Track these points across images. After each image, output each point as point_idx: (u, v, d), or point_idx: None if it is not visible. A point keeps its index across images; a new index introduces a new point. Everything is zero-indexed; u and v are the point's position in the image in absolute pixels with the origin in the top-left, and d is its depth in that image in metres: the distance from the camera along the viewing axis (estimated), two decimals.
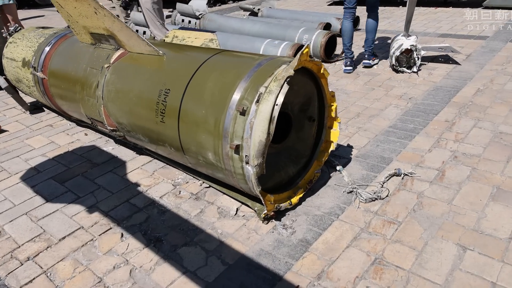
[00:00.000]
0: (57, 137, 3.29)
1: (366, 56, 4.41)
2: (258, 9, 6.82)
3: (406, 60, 4.07)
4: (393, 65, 4.09)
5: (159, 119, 2.18)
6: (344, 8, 4.23)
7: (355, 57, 4.50)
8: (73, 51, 2.96)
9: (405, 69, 4.06)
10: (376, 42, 5.06)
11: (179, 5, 6.12)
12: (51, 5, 13.54)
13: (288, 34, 4.81)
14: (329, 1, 8.77)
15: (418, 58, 4.02)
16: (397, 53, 3.99)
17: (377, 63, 4.48)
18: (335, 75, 4.23)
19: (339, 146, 2.80)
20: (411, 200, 2.16)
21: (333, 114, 2.32)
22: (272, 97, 1.74)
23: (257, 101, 1.77)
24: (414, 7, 4.19)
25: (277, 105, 1.74)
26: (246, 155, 1.80)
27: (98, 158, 2.91)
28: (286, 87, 1.75)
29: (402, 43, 4.05)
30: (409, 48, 3.95)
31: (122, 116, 2.49)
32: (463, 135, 2.80)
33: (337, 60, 4.70)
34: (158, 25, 4.52)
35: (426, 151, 2.64)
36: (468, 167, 2.41)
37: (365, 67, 4.39)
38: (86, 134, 3.28)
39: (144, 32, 5.82)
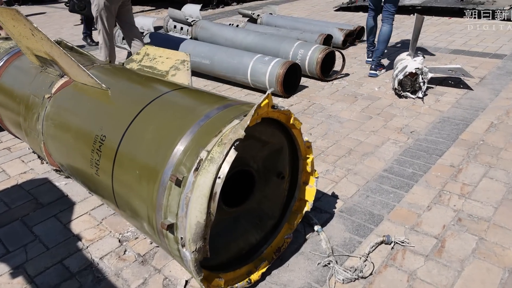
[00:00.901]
0: (10, 164, 2.92)
1: (372, 66, 4.31)
2: (258, 16, 6.39)
3: (410, 84, 3.62)
4: (395, 89, 3.64)
5: (94, 171, 1.79)
6: (368, 7, 4.50)
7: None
8: (21, 72, 2.59)
9: (409, 94, 3.60)
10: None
11: (170, 10, 5.73)
12: (54, 1, 13.30)
13: (283, 48, 4.38)
14: (336, 7, 8.29)
15: (424, 82, 3.55)
16: (400, 76, 3.53)
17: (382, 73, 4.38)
18: (330, 97, 3.79)
19: (322, 195, 2.38)
20: (400, 283, 1.73)
21: (308, 169, 1.90)
22: (214, 167, 1.33)
23: (196, 169, 1.36)
24: (421, 24, 3.72)
25: (219, 178, 1.33)
26: (181, 237, 1.39)
27: (46, 196, 2.53)
28: (233, 154, 1.34)
29: (407, 64, 3.59)
30: (413, 71, 3.50)
31: (60, 157, 2.11)
32: (470, 187, 2.35)
33: (336, 79, 4.26)
34: (105, 37, 4.05)
35: (424, 208, 2.20)
36: (474, 236, 1.97)
37: (370, 76, 4.28)
38: (42, 163, 2.91)
39: (181, 28, 5.49)
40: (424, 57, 3.87)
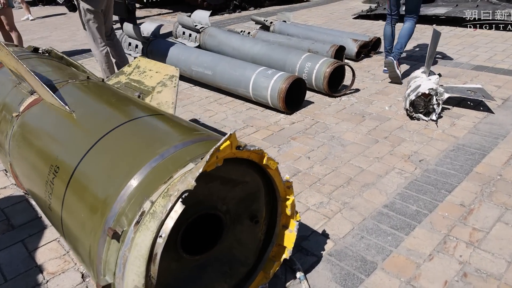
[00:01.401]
0: None
1: (392, 55, 4.32)
2: (271, 23, 6.17)
3: (424, 105, 3.32)
4: (406, 109, 3.34)
5: (48, 204, 1.61)
6: (387, 14, 4.44)
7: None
8: (0, 82, 2.46)
9: (421, 115, 3.31)
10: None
11: (179, 16, 5.58)
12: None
13: (290, 60, 4.15)
14: (355, 15, 7.98)
15: (438, 104, 3.25)
16: (412, 96, 3.24)
17: (399, 75, 4.20)
18: (336, 116, 3.53)
19: (311, 232, 2.14)
20: None
21: (288, 211, 1.66)
22: (155, 224, 1.12)
23: (138, 223, 1.15)
24: (438, 39, 3.42)
25: (161, 236, 1.12)
26: None
27: (19, 217, 2.39)
28: (179, 208, 1.12)
29: (420, 84, 3.30)
30: (426, 92, 3.20)
31: (23, 181, 1.94)
32: (481, 233, 2.06)
33: (344, 94, 3.99)
34: (95, 45, 4.04)
35: (425, 257, 1.93)
36: None
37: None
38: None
39: (190, 35, 5.41)
40: (440, 75, 3.56)
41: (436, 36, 3.37)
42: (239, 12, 9.55)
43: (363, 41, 5.06)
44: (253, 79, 3.68)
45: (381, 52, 5.37)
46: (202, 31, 5.29)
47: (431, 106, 3.28)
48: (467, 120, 3.32)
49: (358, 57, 5.08)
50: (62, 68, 2.55)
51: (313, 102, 3.86)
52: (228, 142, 1.24)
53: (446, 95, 3.30)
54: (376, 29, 6.78)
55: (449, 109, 3.52)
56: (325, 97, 3.97)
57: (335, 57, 4.72)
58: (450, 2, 7.45)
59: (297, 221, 1.70)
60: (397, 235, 2.08)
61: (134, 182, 1.23)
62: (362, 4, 9.51)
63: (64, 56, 3.02)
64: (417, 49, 5.52)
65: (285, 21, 6.25)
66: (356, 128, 3.28)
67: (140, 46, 4.90)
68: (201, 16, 5.53)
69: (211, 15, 9.27)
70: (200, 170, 1.13)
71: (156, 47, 4.75)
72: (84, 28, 3.99)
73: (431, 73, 3.58)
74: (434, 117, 3.26)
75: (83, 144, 1.53)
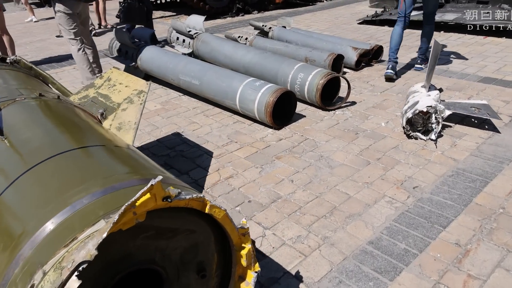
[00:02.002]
0: None
1: (418, 61, 4.70)
2: (269, 28, 5.94)
3: (422, 122, 3.05)
4: (403, 127, 3.08)
5: None
6: (397, 16, 4.43)
7: (397, 66, 4.51)
8: None
9: (419, 134, 3.03)
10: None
11: (173, 21, 5.37)
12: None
13: (282, 70, 3.90)
14: (360, 20, 7.69)
15: (438, 122, 2.98)
16: (409, 114, 2.97)
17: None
18: (327, 132, 3.27)
19: (283, 274, 1.89)
20: None
21: (244, 262, 1.42)
22: None
23: None
24: (439, 52, 3.15)
25: None
26: None
27: None
28: (73, 285, 0.89)
29: (418, 100, 3.03)
30: (424, 110, 2.93)
31: None
32: (477, 283, 1.79)
33: (339, 108, 3.73)
34: (71, 46, 4.28)
35: None
36: None
37: (416, 70, 4.67)
38: None
39: (184, 41, 5.16)
40: (441, 90, 3.28)
41: (437, 48, 3.09)
42: (242, 15, 9.33)
43: (364, 49, 4.79)
44: (240, 91, 3.45)
45: (383, 60, 5.10)
46: (195, 37, 5.08)
47: (430, 124, 3.00)
48: (470, 140, 3.04)
49: (358, 66, 4.81)
50: (20, 82, 2.34)
51: (304, 116, 3.61)
52: (147, 196, 1.00)
53: (447, 113, 3.02)
54: (380, 35, 6.49)
55: (450, 127, 3.24)
56: (318, 110, 3.72)
57: (334, 66, 4.47)
58: (459, 8, 7.12)
59: (256, 272, 1.46)
60: (380, 280, 1.82)
61: (33, 243, 1.01)
62: (368, 8, 9.22)
63: (33, 66, 2.83)
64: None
65: (284, 27, 6.01)
66: (348, 147, 3.02)
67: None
68: (195, 21, 5.32)
69: (214, 18, 9.11)
70: (104, 235, 0.90)
71: (146, 53, 4.55)
72: (60, 35, 4.15)
73: (431, 87, 3.31)
74: (433, 136, 2.99)
75: (2, 179, 1.32)
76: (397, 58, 4.41)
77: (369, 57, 4.91)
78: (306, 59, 4.73)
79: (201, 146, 3.18)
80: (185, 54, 5.12)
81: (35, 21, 9.96)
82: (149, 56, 4.49)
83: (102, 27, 8.67)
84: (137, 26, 6.29)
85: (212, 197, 2.51)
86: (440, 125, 2.99)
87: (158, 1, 11.13)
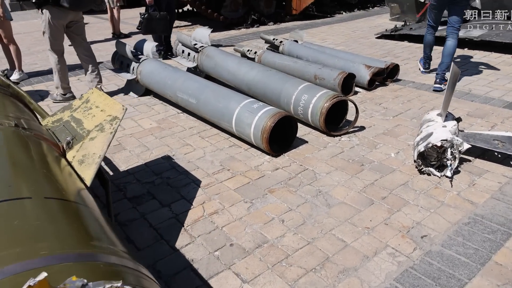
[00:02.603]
0: None
1: (437, 80, 4.40)
2: (280, 42, 5.68)
3: (436, 156, 2.70)
4: (414, 160, 2.74)
5: None
6: (427, 24, 4.67)
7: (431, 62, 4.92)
8: None
9: (432, 170, 2.69)
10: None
11: (178, 34, 5.18)
12: (104, 12, 13.50)
13: (285, 90, 3.62)
14: (378, 34, 7.35)
15: (454, 157, 2.62)
16: (421, 147, 2.63)
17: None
18: (329, 162, 2.96)
19: None
20: None
21: None
22: None
23: None
24: (457, 79, 2.81)
25: None
26: None
27: None
28: None
29: (432, 131, 2.69)
30: (438, 145, 2.58)
31: None
32: None
33: (346, 133, 3.41)
34: (49, 52, 4.24)
35: None
36: None
37: (434, 91, 4.35)
38: None
39: (189, 54, 5.02)
40: (459, 120, 2.93)
41: (456, 72, 2.75)
42: (257, 27, 9.12)
43: (377, 68, 4.46)
44: (237, 113, 3.19)
45: (399, 80, 4.76)
46: (200, 50, 4.86)
47: (445, 160, 2.65)
48: (492, 178, 2.67)
49: (371, 85, 4.48)
50: (13, 96, 2.17)
51: (306, 142, 3.31)
52: None
53: (465, 146, 2.67)
54: (398, 51, 6.14)
55: (469, 161, 2.87)
56: (323, 135, 3.41)
57: (345, 85, 4.17)
58: (486, 23, 6.69)
59: None
60: None
61: None
62: (389, 21, 8.86)
63: (11, 84, 2.65)
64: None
65: (296, 41, 5.74)
66: (350, 182, 2.70)
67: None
68: (201, 34, 5.11)
69: (228, 29, 8.93)
70: None
71: (146, 67, 4.36)
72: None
73: (448, 115, 2.95)
74: (448, 173, 2.64)
75: None
76: (430, 59, 4.92)
77: (384, 76, 4.57)
78: (315, 77, 4.44)
79: (190, 173, 2.92)
80: (190, 68, 4.93)
81: None
82: (148, 70, 4.30)
83: (116, 36, 8.61)
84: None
85: (191, 237, 2.24)
86: (457, 161, 2.64)
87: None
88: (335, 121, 3.52)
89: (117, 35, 8.61)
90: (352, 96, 4.29)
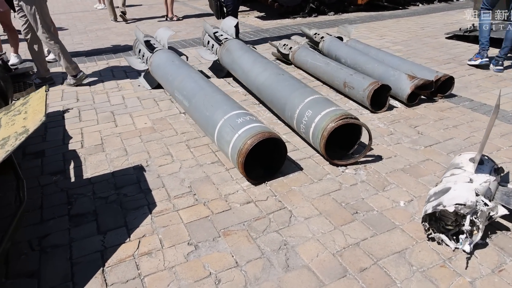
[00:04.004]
0: None
1: (500, 62, 4.51)
2: (322, 38, 4.98)
3: (454, 220, 1.97)
4: (423, 224, 2.02)
5: None
6: (481, 8, 4.63)
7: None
8: None
9: (445, 238, 1.96)
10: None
11: (204, 23, 4.75)
12: None
13: (291, 101, 3.02)
14: (449, 33, 6.22)
15: (478, 228, 1.87)
16: (429, 208, 1.92)
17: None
18: (315, 202, 2.35)
19: None
20: None
21: None
22: None
23: None
24: (495, 117, 2.01)
25: None
26: None
27: None
28: None
29: (450, 187, 1.95)
30: (451, 210, 1.84)
31: None
32: None
33: (353, 163, 2.74)
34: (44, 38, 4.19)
35: None
36: None
37: (497, 72, 4.50)
38: None
39: (213, 46, 4.63)
40: (500, 171, 2.11)
41: (494, 114, 1.95)
42: (315, 16, 8.37)
43: (423, 80, 3.61)
44: (219, 126, 2.69)
45: (454, 95, 3.86)
46: (223, 43, 4.40)
47: (465, 227, 1.91)
48: None
49: (412, 100, 3.66)
50: None
51: (301, 169, 2.71)
52: None
53: (501, 211, 1.90)
54: (467, 57, 5.08)
55: (506, 230, 2.07)
56: (325, 162, 2.78)
57: (378, 97, 3.47)
58: None
59: None
60: None
61: None
62: (472, 18, 7.53)
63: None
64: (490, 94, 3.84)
65: (341, 38, 5.00)
66: (329, 236, 2.08)
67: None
68: (228, 24, 4.63)
69: (283, 17, 8.29)
70: None
71: (155, 59, 4.01)
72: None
73: (486, 163, 2.16)
74: (467, 247, 1.90)
75: None
76: (488, 46, 4.64)
77: (431, 90, 3.70)
78: (345, 84, 3.76)
79: (152, 192, 2.52)
80: (216, 62, 4.50)
81: (100, 8, 10.23)
82: (157, 62, 3.95)
83: (168, 19, 8.47)
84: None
85: (102, 284, 1.84)
86: (481, 233, 1.88)
87: None
88: (348, 144, 2.86)
89: (170, 18, 8.46)
90: (384, 112, 3.54)
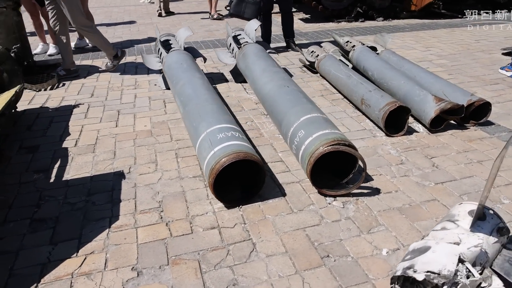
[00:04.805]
0: None
1: None
2: (353, 46, 4.62)
3: (434, 287, 1.61)
4: (391, 286, 1.68)
5: None
6: None
7: None
8: None
9: None
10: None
11: (227, 26, 4.58)
12: None
13: (288, 117, 2.75)
14: (507, 49, 5.50)
15: None
16: (400, 269, 1.58)
17: None
18: (284, 236, 2.08)
19: None
20: None
21: None
22: None
23: None
24: (500, 164, 1.61)
25: None
26: None
27: None
28: None
29: (431, 246, 1.59)
30: (419, 279, 1.49)
31: None
32: None
33: (345, 195, 2.42)
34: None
35: None
36: None
37: None
38: None
39: (233, 49, 4.56)
40: (503, 234, 1.70)
41: (499, 160, 1.55)
42: (361, 21, 7.88)
43: (452, 103, 3.16)
44: (200, 140, 2.51)
45: (491, 123, 3.36)
46: (242, 46, 4.20)
47: None
48: None
49: (437, 126, 3.22)
50: None
51: (284, 195, 2.45)
52: None
53: (495, 284, 1.53)
54: None
55: None
56: (313, 189, 2.49)
57: (398, 118, 3.12)
58: None
59: None
60: None
61: None
62: None
63: None
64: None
65: (374, 48, 4.60)
66: (286, 283, 1.82)
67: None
68: (250, 27, 4.43)
69: (327, 21, 7.91)
70: None
71: (168, 60, 3.92)
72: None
73: (488, 218, 1.75)
74: None
75: None
76: None
77: (461, 115, 3.23)
78: (362, 101, 3.42)
79: (119, 204, 2.39)
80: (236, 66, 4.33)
81: (147, 2, 10.46)
82: (168, 64, 3.85)
83: (210, 17, 8.44)
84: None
85: None
86: None
87: None
88: (344, 171, 2.54)
89: (211, 16, 8.42)
90: (401, 137, 3.14)
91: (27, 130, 3.37)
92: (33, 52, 5.72)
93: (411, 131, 3.24)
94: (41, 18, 5.61)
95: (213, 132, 2.45)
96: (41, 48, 5.76)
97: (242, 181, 2.48)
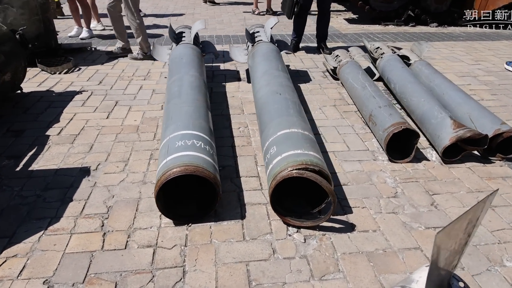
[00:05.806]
0: None
1: None
2: (382, 54, 4.16)
3: None
4: None
5: None
6: None
7: None
8: None
9: None
10: None
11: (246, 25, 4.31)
12: None
13: (268, 128, 2.45)
14: None
15: None
16: None
17: None
18: (223, 268, 1.81)
19: None
20: None
21: None
22: None
23: None
24: (485, 211, 1.19)
25: None
26: None
27: None
28: None
29: None
30: None
31: None
32: None
33: (311, 228, 2.09)
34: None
35: None
36: None
37: None
38: None
39: (249, 46, 4.43)
40: None
41: (487, 202, 1.16)
42: (411, 25, 7.22)
43: (472, 132, 2.66)
44: (161, 146, 2.30)
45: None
46: (254, 44, 3.93)
47: None
48: None
49: (453, 156, 2.74)
50: None
51: (243, 218, 2.16)
52: None
53: None
54: None
55: None
56: (273, 217, 2.18)
57: (406, 142, 2.71)
58: None
59: None
60: None
61: None
62: None
63: None
64: None
65: (406, 57, 4.10)
66: None
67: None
68: (267, 25, 4.13)
69: (374, 23, 7.33)
70: None
71: (173, 53, 3.75)
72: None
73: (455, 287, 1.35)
74: None
75: None
76: None
77: (484, 147, 2.72)
78: (370, 117, 3.02)
79: (68, 203, 2.26)
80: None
81: None
82: (172, 57, 3.68)
83: (252, 11, 8.22)
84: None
85: None
86: None
87: None
88: (316, 197, 2.21)
89: (253, 11, 8.20)
90: (406, 164, 2.71)
91: (23, 113, 3.37)
92: (68, 35, 5.87)
93: (420, 158, 2.79)
94: (77, 2, 5.72)
95: (175, 138, 2.23)
96: (76, 31, 5.88)
97: (201, 196, 2.23)
